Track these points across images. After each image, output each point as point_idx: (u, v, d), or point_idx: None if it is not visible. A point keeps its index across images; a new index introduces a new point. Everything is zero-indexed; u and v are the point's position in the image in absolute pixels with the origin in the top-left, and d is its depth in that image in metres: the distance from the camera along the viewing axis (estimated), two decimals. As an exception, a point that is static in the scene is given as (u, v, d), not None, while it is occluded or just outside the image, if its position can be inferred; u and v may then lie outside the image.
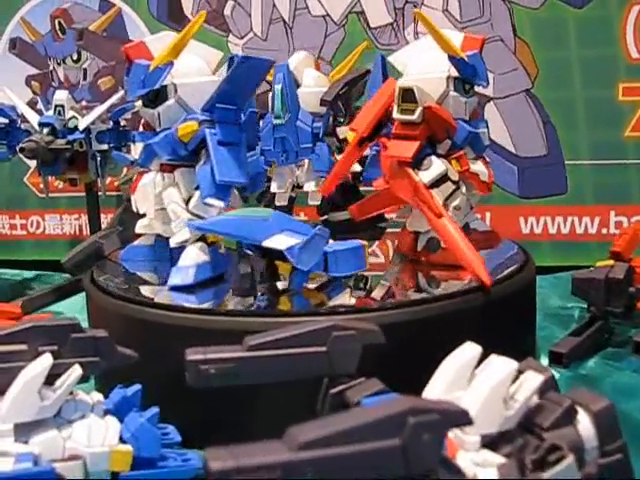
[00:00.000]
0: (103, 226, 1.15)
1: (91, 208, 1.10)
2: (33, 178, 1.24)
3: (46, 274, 1.22)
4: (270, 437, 0.57)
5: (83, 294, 1.09)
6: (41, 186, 1.22)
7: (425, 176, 0.69)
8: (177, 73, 0.69)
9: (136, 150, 0.73)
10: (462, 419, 0.36)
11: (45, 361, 0.45)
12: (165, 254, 0.77)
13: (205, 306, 0.66)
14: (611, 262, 0.79)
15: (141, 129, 0.75)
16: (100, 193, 1.07)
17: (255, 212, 0.67)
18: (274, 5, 1.10)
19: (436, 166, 0.70)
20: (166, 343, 0.60)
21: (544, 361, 0.74)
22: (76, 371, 0.46)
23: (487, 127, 0.76)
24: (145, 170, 0.74)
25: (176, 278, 0.69)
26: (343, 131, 0.88)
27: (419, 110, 0.66)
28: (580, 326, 0.79)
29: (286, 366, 0.44)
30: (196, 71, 0.72)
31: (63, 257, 0.86)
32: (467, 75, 0.71)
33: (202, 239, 0.71)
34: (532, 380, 0.42)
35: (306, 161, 0.85)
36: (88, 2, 1.17)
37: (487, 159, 0.77)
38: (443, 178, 0.69)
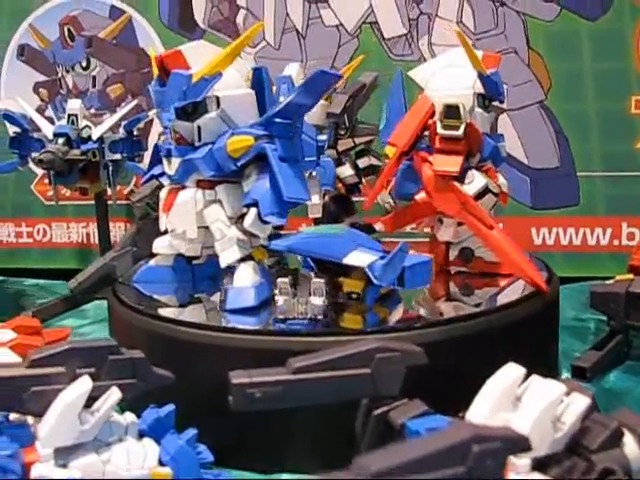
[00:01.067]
0: (112, 234, 1.14)
1: (100, 217, 1.09)
2: (40, 186, 1.23)
3: (52, 283, 1.21)
4: (300, 454, 0.57)
5: (93, 303, 1.09)
6: (49, 194, 1.22)
7: (469, 189, 0.71)
8: (218, 85, 0.66)
9: (172, 166, 0.69)
10: (522, 445, 0.37)
11: (85, 384, 0.44)
12: (187, 275, 0.74)
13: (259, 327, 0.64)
14: (630, 276, 0.79)
15: (168, 142, 0.71)
16: (111, 202, 1.06)
17: (329, 229, 0.65)
18: (287, 14, 1.10)
19: (478, 179, 0.73)
20: (198, 363, 0.60)
21: (566, 375, 0.74)
22: (115, 394, 0.45)
23: (504, 141, 0.79)
24: (179, 186, 0.70)
25: (237, 300, 0.66)
26: (344, 144, 0.89)
27: (463, 126, 0.69)
28: (601, 340, 0.79)
29: (331, 388, 0.44)
30: (234, 83, 0.68)
31: (70, 282, 0.80)
32: (492, 92, 0.73)
33: (250, 258, 0.69)
34: (578, 402, 0.42)
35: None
36: (98, 9, 1.16)
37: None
38: (484, 191, 0.72)
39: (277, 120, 0.65)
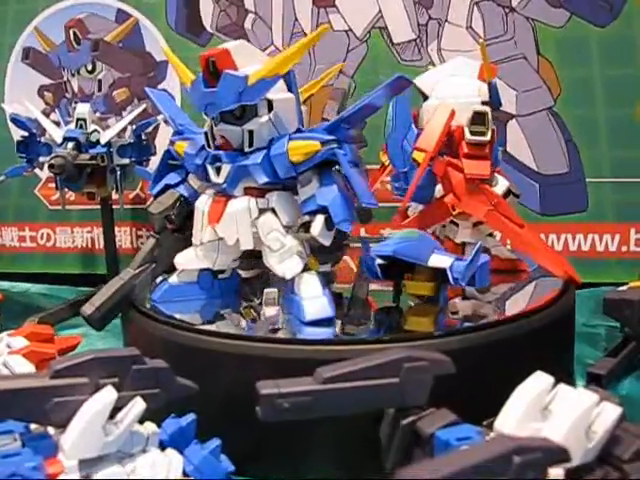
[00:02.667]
0: (117, 239, 1.13)
1: (106, 222, 1.08)
2: (44, 190, 1.22)
3: (57, 288, 1.20)
4: (321, 463, 0.57)
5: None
6: (53, 198, 1.21)
7: (497, 190, 0.75)
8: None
9: (222, 173, 0.65)
10: (561, 455, 0.36)
11: (109, 395, 0.43)
12: (214, 290, 0.70)
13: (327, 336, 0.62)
14: (644, 283, 0.80)
15: (196, 148, 0.67)
16: (117, 206, 1.05)
17: (409, 234, 0.66)
18: (296, 19, 1.10)
19: (502, 182, 0.77)
20: (215, 371, 0.59)
21: (580, 382, 0.74)
22: (138, 404, 0.45)
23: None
24: (226, 195, 0.66)
25: (315, 311, 0.63)
26: None
27: (490, 132, 0.72)
28: (615, 347, 0.79)
29: (360, 398, 0.43)
30: (280, 86, 0.65)
31: (85, 307, 0.68)
32: (496, 101, 0.76)
33: (308, 268, 0.66)
34: (609, 412, 0.42)
35: None
36: (104, 12, 1.15)
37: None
38: (507, 192, 0.77)
39: (343, 125, 0.63)
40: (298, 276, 0.65)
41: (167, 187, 0.72)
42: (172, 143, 0.72)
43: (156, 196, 0.73)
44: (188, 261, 0.69)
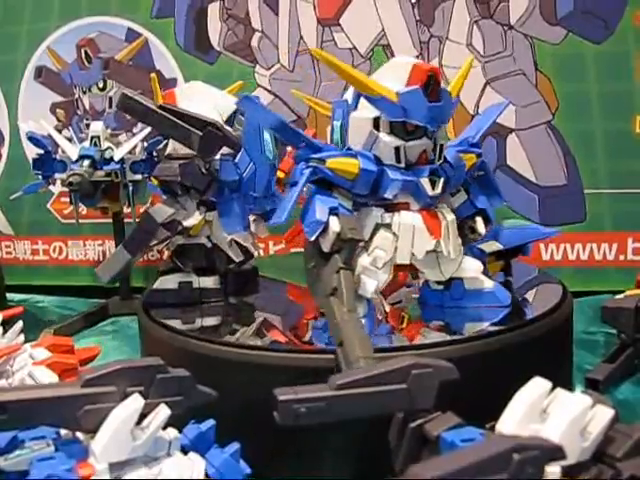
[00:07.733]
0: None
1: (118, 235, 1.11)
2: (56, 204, 1.25)
3: (69, 299, 1.23)
4: (333, 465, 0.59)
5: (111, 319, 1.11)
6: (65, 212, 1.24)
7: None
8: None
9: (438, 186, 0.66)
10: (557, 454, 0.39)
11: (137, 402, 0.46)
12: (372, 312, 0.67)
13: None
14: (639, 291, 0.82)
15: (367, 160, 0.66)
16: (130, 220, 1.08)
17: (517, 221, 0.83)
18: (301, 37, 1.13)
19: None
20: (228, 379, 0.62)
21: (579, 387, 0.77)
22: (163, 410, 0.47)
23: None
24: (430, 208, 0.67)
25: (507, 296, 0.70)
26: None
27: None
28: (612, 353, 0.82)
29: (371, 403, 0.46)
30: None
31: (359, 359, 0.54)
32: None
33: None
34: (603, 413, 0.44)
35: None
36: (115, 32, 1.19)
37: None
38: None
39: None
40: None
41: (332, 211, 0.64)
42: (322, 161, 0.65)
43: (326, 223, 0.63)
44: (375, 288, 0.65)
